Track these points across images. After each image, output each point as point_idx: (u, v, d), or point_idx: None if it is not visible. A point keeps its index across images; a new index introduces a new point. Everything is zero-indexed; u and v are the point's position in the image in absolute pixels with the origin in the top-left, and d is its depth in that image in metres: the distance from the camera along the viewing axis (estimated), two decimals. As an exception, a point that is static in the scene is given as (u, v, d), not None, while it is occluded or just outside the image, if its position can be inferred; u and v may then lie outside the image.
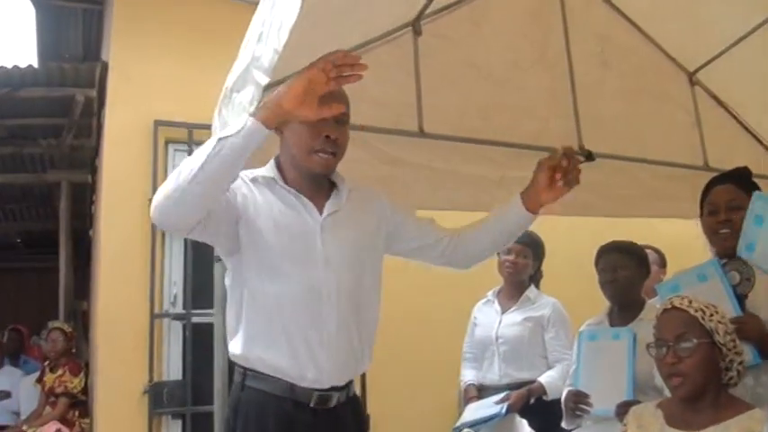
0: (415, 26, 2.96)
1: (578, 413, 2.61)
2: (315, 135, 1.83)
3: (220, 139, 1.59)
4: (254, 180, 1.86)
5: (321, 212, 1.89)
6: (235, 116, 2.25)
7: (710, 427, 1.81)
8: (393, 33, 2.93)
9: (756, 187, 2.41)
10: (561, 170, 2.03)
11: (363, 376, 4.50)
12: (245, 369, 1.81)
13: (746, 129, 3.86)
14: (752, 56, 3.41)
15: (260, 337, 1.79)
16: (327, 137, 1.84)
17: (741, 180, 2.41)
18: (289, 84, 1.61)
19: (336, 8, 2.35)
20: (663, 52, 3.62)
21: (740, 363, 1.90)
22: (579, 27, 3.31)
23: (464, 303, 3.60)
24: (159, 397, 4.12)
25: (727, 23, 3.36)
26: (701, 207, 2.47)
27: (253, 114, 1.61)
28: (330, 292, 1.82)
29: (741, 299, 2.16)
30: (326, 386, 1.82)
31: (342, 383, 1.87)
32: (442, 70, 3.01)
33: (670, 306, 1.94)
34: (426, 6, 2.92)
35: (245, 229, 1.81)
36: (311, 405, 1.81)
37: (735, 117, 3.83)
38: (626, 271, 2.78)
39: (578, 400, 2.60)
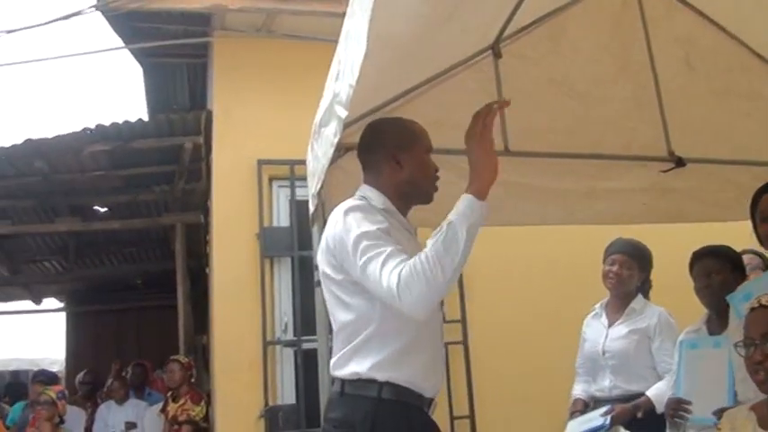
0: (495, 49, 3.06)
1: (678, 420, 2.59)
2: (434, 167, 2.17)
3: (455, 229, 1.79)
4: (384, 210, 2.04)
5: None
6: (323, 147, 2.43)
7: None
8: (474, 57, 3.03)
9: None
10: None
11: (471, 397, 4.58)
12: (380, 384, 1.93)
13: None
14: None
15: (399, 353, 1.94)
16: (436, 170, 2.18)
17: None
18: (485, 170, 1.90)
19: (416, 38, 2.48)
20: (749, 50, 3.55)
21: None
22: (661, 33, 3.31)
23: (574, 316, 3.62)
24: (275, 420, 4.32)
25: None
26: (753, 219, 2.51)
27: (466, 196, 1.86)
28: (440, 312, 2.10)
29: None
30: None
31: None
32: (524, 89, 3.07)
33: (758, 305, 1.95)
34: (504, 28, 3.01)
35: None
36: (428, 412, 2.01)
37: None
38: (720, 276, 2.75)
39: (678, 407, 2.60)
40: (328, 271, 2.03)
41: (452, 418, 4.55)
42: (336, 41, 2.23)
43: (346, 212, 1.96)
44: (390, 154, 2.11)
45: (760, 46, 3.55)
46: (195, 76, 6.24)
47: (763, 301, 1.94)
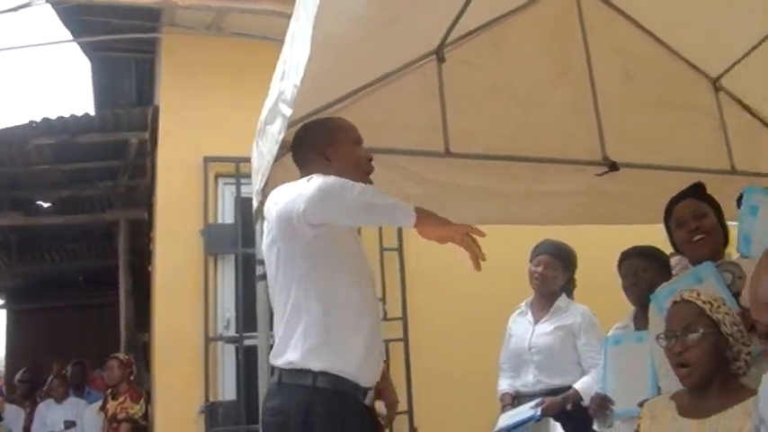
0: (439, 53, 3.13)
1: (602, 415, 2.71)
2: (365, 157, 2.24)
3: (396, 207, 1.92)
4: None
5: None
6: (268, 144, 2.47)
7: (718, 413, 1.90)
8: (418, 61, 3.10)
9: (713, 199, 2.59)
10: None
11: (409, 393, 4.67)
12: (315, 373, 1.98)
13: (774, 131, 3.92)
14: (775, 59, 3.50)
15: (336, 343, 2.00)
16: (370, 160, 2.24)
17: (699, 193, 2.61)
18: (436, 230, 1.96)
19: (360, 40, 2.53)
20: (684, 61, 3.71)
21: (747, 353, 1.98)
22: (599, 42, 3.43)
23: (502, 314, 3.72)
24: (215, 416, 4.31)
25: (745, 28, 3.44)
26: (667, 227, 2.66)
27: (414, 210, 1.92)
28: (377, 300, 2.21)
29: (735, 296, 2.25)
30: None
31: None
32: (466, 93, 3.16)
33: (680, 299, 2.05)
34: (448, 34, 3.08)
35: (329, 241, 2.03)
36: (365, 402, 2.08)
37: (761, 120, 3.90)
38: (647, 274, 2.88)
39: (602, 403, 2.71)
40: (276, 247, 2.09)
41: (392, 414, 4.60)
42: (283, 41, 2.27)
43: (288, 184, 2.04)
44: (318, 150, 2.18)
45: (695, 58, 3.72)
46: (143, 72, 6.17)
47: (686, 296, 2.05)
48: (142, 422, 5.21)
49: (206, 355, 4.40)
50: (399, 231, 4.86)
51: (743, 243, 2.39)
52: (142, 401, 5.25)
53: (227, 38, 5.00)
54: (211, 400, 4.37)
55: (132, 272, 7.03)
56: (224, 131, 4.60)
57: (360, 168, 2.19)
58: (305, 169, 2.20)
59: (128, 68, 6.19)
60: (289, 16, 4.70)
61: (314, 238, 1.95)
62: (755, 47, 3.47)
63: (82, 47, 5.63)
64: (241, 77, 4.71)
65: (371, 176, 2.25)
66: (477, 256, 1.95)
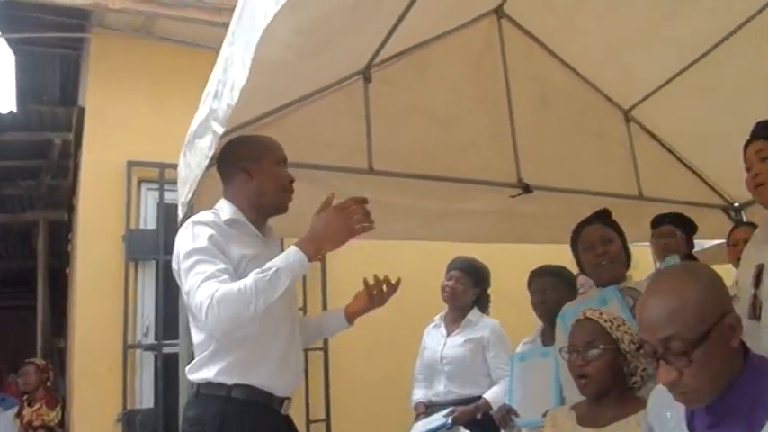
0: (366, 74, 3.23)
1: (506, 425, 2.86)
2: (286, 177, 2.27)
3: (289, 281, 1.97)
4: (230, 221, 2.14)
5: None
6: (197, 158, 2.51)
7: (614, 423, 2.04)
8: (345, 80, 3.19)
9: (618, 225, 2.76)
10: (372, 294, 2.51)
11: (328, 402, 4.75)
12: (229, 386, 2.04)
13: (680, 160, 4.18)
14: (682, 94, 3.74)
15: (249, 356, 2.06)
16: (291, 181, 2.27)
17: (605, 219, 2.77)
18: (331, 243, 2.08)
19: (290, 62, 2.60)
20: (599, 92, 3.94)
21: (644, 369, 2.13)
22: (519, 72, 3.61)
23: (418, 326, 3.84)
24: (132, 424, 4.27)
25: (657, 66, 3.68)
26: (574, 249, 2.80)
27: (300, 251, 1.99)
28: (296, 313, 2.29)
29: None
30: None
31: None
32: (390, 113, 3.27)
33: (583, 317, 2.20)
34: (375, 56, 3.19)
35: (239, 265, 2.08)
36: (282, 411, 2.14)
37: (669, 150, 4.15)
38: (554, 292, 3.06)
39: (505, 413, 2.86)
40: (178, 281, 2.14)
41: (309, 422, 4.69)
42: (212, 49, 2.32)
43: (186, 226, 2.09)
44: (240, 166, 2.22)
45: (609, 91, 3.95)
46: (68, 69, 6.06)
47: (589, 315, 2.19)
48: (58, 430, 5.10)
49: (124, 363, 4.36)
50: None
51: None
52: (58, 408, 5.14)
53: (156, 42, 4.99)
54: (129, 407, 4.33)
55: (50, 274, 6.86)
56: (149, 136, 4.59)
57: (280, 188, 2.24)
58: (227, 184, 2.26)
59: (53, 65, 6.06)
60: (217, 25, 4.75)
61: None
62: (666, 83, 3.73)
63: (9, 41, 5.50)
64: (168, 83, 4.72)
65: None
66: (363, 228, 2.08)
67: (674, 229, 3.35)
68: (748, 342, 2.11)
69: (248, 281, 1.92)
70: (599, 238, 2.67)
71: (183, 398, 2.65)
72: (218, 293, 1.90)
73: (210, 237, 2.03)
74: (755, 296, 2.14)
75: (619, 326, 2.15)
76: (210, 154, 2.33)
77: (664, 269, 2.53)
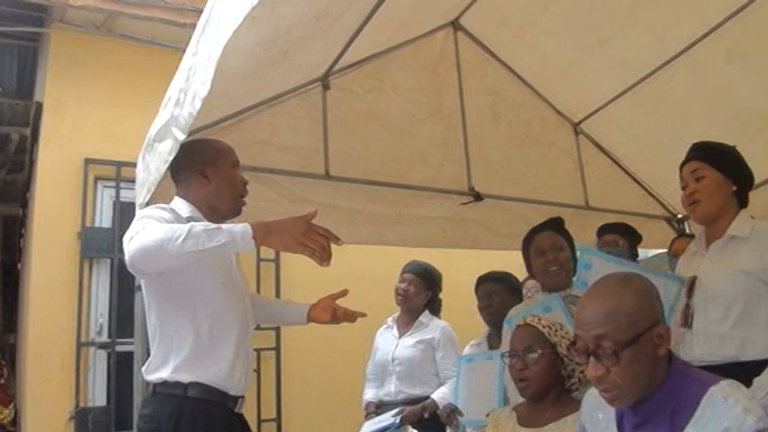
0: (324, 81, 3.31)
1: (451, 424, 2.97)
2: (240, 181, 2.33)
3: (225, 244, 1.93)
4: (190, 218, 2.18)
5: None
6: (156, 162, 2.56)
7: (552, 423, 2.15)
8: (304, 87, 3.27)
9: (569, 234, 2.91)
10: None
11: (279, 401, 4.81)
12: (186, 385, 2.09)
13: (626, 172, 4.36)
14: (629, 109, 3.93)
15: (203, 356, 2.11)
16: (245, 183, 2.34)
17: (557, 227, 2.92)
18: (283, 240, 2.02)
19: (251, 71, 2.67)
20: (550, 105, 4.09)
21: (581, 372, 2.23)
22: (473, 83, 3.75)
23: (370, 328, 3.93)
24: (84, 423, 4.25)
25: (605, 82, 3.86)
26: (525, 254, 2.95)
27: (249, 225, 1.96)
28: (249, 313, 2.32)
29: None
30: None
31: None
32: (347, 120, 3.36)
33: (523, 323, 2.32)
34: (334, 64, 3.27)
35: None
36: (236, 409, 2.20)
37: (616, 162, 4.33)
38: (500, 298, 3.19)
39: (449, 413, 2.98)
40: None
41: (260, 421, 4.74)
42: (172, 48, 2.37)
43: (143, 210, 2.18)
44: (197, 169, 2.28)
45: (560, 104, 4.11)
46: (25, 62, 5.99)
47: (528, 321, 2.31)
48: (10, 428, 5.03)
49: (77, 361, 4.34)
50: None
51: (581, 287, 2.69)
52: (12, 406, 5.06)
53: (116, 40, 4.96)
54: (82, 405, 4.31)
55: (1, 269, 6.77)
56: (106, 134, 4.57)
57: (236, 191, 2.32)
58: (182, 186, 2.31)
59: (9, 56, 5.98)
60: (177, 25, 4.76)
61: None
62: (614, 98, 3.91)
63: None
64: (127, 81, 4.71)
65: (250, 194, 2.40)
66: (318, 254, 2.01)
67: (618, 237, 3.50)
68: (681, 349, 2.28)
69: (184, 225, 1.95)
70: (550, 245, 2.81)
71: (137, 396, 2.71)
72: (150, 225, 1.95)
73: (168, 219, 2.08)
74: (688, 306, 2.29)
75: (557, 331, 2.26)
76: (170, 158, 2.38)
77: (606, 276, 2.68)
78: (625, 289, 1.57)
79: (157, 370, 2.13)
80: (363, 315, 2.62)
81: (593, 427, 1.74)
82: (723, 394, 1.45)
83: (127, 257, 1.95)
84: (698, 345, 2.24)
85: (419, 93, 3.57)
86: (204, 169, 2.29)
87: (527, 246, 2.92)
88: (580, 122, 4.18)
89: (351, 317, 2.61)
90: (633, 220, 4.01)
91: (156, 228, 1.94)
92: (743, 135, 3.55)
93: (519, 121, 3.92)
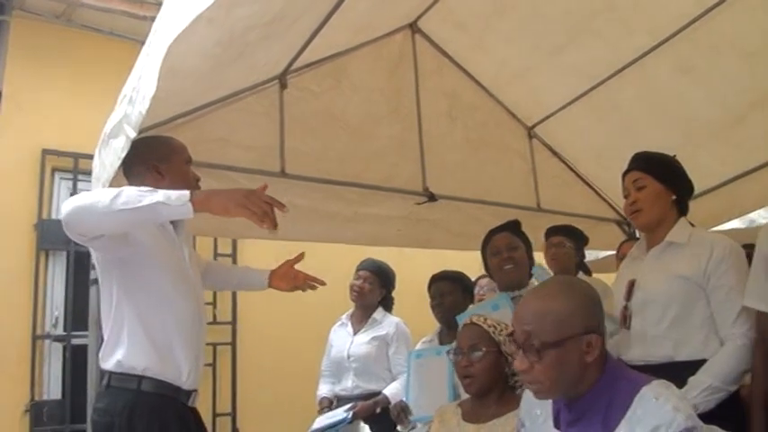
0: (282, 80, 3.34)
1: (401, 420, 3.05)
2: (193, 177, 2.38)
3: (158, 203, 1.90)
4: None
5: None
6: (110, 158, 2.58)
7: (495, 419, 2.23)
8: (262, 85, 3.29)
9: (526, 236, 3.02)
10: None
11: (234, 396, 4.86)
12: (140, 377, 2.12)
13: (579, 176, 4.48)
14: (582, 115, 4.04)
15: (156, 348, 2.15)
16: (197, 179, 2.39)
17: (514, 228, 3.03)
18: (221, 200, 1.96)
19: (207, 70, 2.69)
20: (505, 109, 4.18)
21: None
22: (430, 85, 3.82)
23: (324, 324, 4.01)
24: (39, 416, 4.24)
25: (559, 88, 3.97)
26: (483, 254, 3.05)
27: (193, 199, 1.92)
28: (201, 309, 2.38)
29: None
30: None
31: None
32: (303, 118, 3.39)
33: (469, 322, 2.40)
34: (292, 63, 3.30)
35: (140, 253, 2.16)
36: (189, 403, 2.25)
37: (568, 166, 4.44)
38: (452, 296, 3.27)
39: (400, 411, 3.06)
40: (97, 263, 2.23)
41: (215, 415, 4.78)
42: (131, 40, 2.39)
43: None
44: (152, 165, 2.32)
45: (515, 108, 4.20)
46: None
47: (474, 320, 2.39)
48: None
49: (33, 353, 4.34)
50: (234, 240, 5.03)
51: None
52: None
53: (76, 30, 4.94)
54: (36, 398, 4.30)
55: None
56: (65, 125, 4.56)
57: (188, 186, 2.28)
58: (134, 182, 2.32)
59: (-32, 44, 5.90)
60: (136, 17, 4.74)
61: (113, 248, 2.11)
62: (567, 104, 4.02)
63: None
64: (87, 72, 4.70)
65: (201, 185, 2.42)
66: (261, 218, 1.96)
67: (564, 239, 3.61)
68: (620, 349, 2.39)
69: (116, 189, 1.96)
70: (506, 245, 2.92)
71: (92, 390, 2.72)
72: (90, 190, 2.00)
73: None
74: (626, 308, 2.40)
75: (501, 330, 2.34)
76: (123, 155, 2.40)
77: (553, 277, 2.78)
78: (563, 293, 1.65)
79: (111, 355, 2.16)
80: (323, 283, 2.69)
81: (531, 423, 1.82)
82: (654, 394, 1.52)
83: (63, 221, 1.96)
84: (635, 345, 2.34)
85: (377, 93, 3.62)
86: (158, 165, 2.32)
87: (485, 246, 3.02)
88: (534, 126, 4.28)
89: (311, 283, 2.67)
90: (584, 223, 4.13)
91: (92, 192, 1.99)
92: (690, 143, 3.73)
93: (474, 123, 4.00)
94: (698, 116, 3.72)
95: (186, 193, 1.93)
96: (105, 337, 2.21)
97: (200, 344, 2.36)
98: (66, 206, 1.96)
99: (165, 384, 2.16)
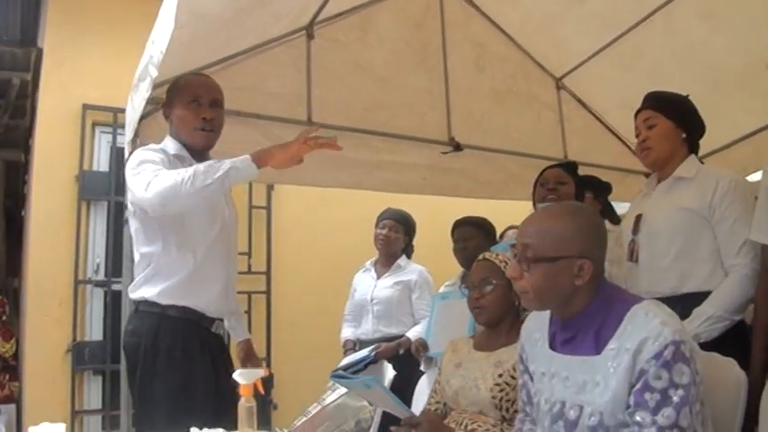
0: (309, 30, 3.43)
1: (421, 356, 3.16)
2: (195, 117, 2.37)
3: (230, 170, 2.11)
4: (175, 156, 2.35)
5: None
6: (138, 101, 2.71)
7: (504, 348, 2.31)
8: (289, 36, 3.39)
9: (582, 178, 3.04)
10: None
11: (269, 341, 5.04)
12: (163, 306, 2.27)
13: (607, 127, 4.46)
14: (610, 65, 4.00)
15: (181, 283, 2.29)
16: (204, 118, 2.39)
17: (569, 167, 3.08)
18: (278, 151, 2.20)
19: (229, 16, 2.78)
20: (532, 60, 4.18)
21: None
22: (457, 36, 3.84)
23: (351, 271, 4.17)
24: (81, 355, 4.48)
25: (588, 37, 3.93)
26: (534, 189, 3.07)
27: (255, 160, 2.14)
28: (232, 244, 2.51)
29: None
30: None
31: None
32: (331, 69, 3.47)
33: (482, 258, 2.48)
34: (317, 14, 3.38)
35: None
36: (212, 330, 2.39)
37: (597, 117, 4.43)
38: (474, 241, 3.35)
39: (417, 347, 3.16)
40: (129, 206, 2.36)
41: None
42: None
43: (136, 152, 2.31)
44: (164, 111, 2.47)
45: (542, 58, 4.19)
46: (28, 10, 6.06)
47: (486, 256, 2.47)
48: (12, 362, 5.24)
49: (75, 297, 4.55)
50: (268, 191, 5.18)
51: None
52: (13, 341, 5.25)
53: (116, -13, 5.06)
54: (78, 339, 4.53)
55: (6, 215, 6.93)
56: (104, 80, 4.68)
57: (190, 127, 2.39)
58: (169, 124, 2.47)
59: (13, 4, 6.06)
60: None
61: None
62: (595, 54, 3.98)
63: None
64: (124, 28, 4.78)
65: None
66: (325, 145, 2.29)
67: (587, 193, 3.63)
68: (628, 282, 2.44)
69: (188, 169, 2.13)
70: (554, 178, 2.98)
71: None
72: (161, 173, 2.13)
73: (160, 159, 2.25)
74: (633, 241, 2.45)
75: None
76: (147, 95, 2.53)
77: (566, 201, 2.82)
78: (568, 215, 1.71)
79: (139, 289, 2.31)
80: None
81: (530, 346, 1.90)
82: (644, 311, 1.58)
83: (147, 203, 2.14)
84: (643, 278, 2.39)
85: (404, 43, 3.67)
86: (167, 110, 2.46)
87: (537, 180, 3.07)
88: (562, 77, 4.27)
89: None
90: (612, 175, 4.13)
91: (167, 174, 2.12)
92: (717, 92, 3.67)
93: (501, 74, 4.01)
94: (722, 64, 3.67)
95: (246, 156, 2.14)
96: (136, 275, 2.36)
97: (229, 278, 2.47)
98: (148, 192, 2.10)
99: (188, 310, 2.30)
